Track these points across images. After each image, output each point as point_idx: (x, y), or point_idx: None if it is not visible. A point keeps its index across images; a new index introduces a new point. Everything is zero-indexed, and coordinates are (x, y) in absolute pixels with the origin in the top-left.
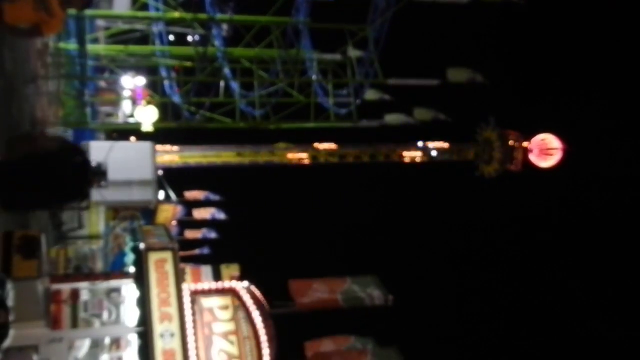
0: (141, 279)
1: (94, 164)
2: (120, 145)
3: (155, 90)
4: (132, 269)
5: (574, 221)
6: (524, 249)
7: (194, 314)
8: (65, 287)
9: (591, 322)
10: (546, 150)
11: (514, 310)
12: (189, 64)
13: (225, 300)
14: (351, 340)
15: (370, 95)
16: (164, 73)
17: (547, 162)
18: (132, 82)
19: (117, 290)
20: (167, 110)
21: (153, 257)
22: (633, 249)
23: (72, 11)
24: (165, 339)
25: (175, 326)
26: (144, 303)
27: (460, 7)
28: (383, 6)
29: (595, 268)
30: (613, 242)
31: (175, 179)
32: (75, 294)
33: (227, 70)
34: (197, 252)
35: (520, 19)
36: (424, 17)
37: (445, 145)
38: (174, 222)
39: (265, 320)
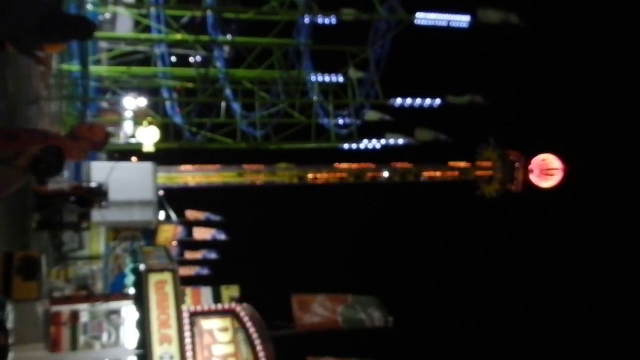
0: (141, 301)
1: (94, 184)
2: (122, 165)
3: (157, 111)
4: (132, 291)
5: (574, 241)
6: (525, 269)
7: (193, 336)
8: (65, 309)
9: (602, 338)
10: (547, 170)
11: (515, 331)
12: (190, 85)
13: (225, 322)
14: None
15: (371, 116)
16: (165, 94)
17: (547, 182)
18: (134, 103)
19: (117, 312)
20: (168, 130)
21: (153, 279)
22: (634, 266)
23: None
24: None
25: (174, 349)
26: (143, 325)
27: (460, 30)
28: (383, 28)
29: (597, 287)
30: (614, 260)
31: (175, 199)
32: (74, 316)
33: (228, 91)
34: (197, 272)
35: (519, 40)
36: (424, 39)
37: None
38: (175, 243)
39: (264, 343)
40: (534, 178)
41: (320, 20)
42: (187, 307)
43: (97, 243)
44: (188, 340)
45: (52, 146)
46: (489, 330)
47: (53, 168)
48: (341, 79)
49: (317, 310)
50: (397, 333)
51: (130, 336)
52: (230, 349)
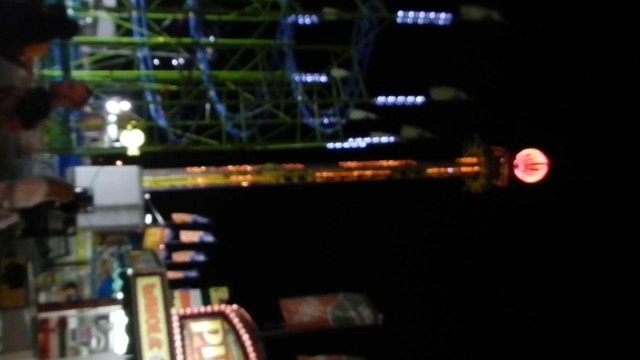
0: (129, 305)
1: (79, 189)
2: (106, 170)
3: (140, 114)
4: (120, 295)
5: (560, 234)
6: (512, 263)
7: (183, 339)
8: (53, 315)
9: (588, 334)
10: (531, 165)
11: (505, 325)
12: (174, 87)
13: (215, 324)
14: (343, 358)
15: (356, 114)
16: (149, 97)
17: (532, 177)
18: (117, 107)
19: (106, 317)
20: (152, 133)
21: (141, 283)
22: (621, 259)
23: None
24: None
25: (164, 352)
26: (132, 329)
27: (442, 27)
28: (366, 27)
29: (583, 280)
30: (599, 253)
31: (161, 202)
32: (62, 322)
33: (212, 93)
34: (185, 275)
35: (501, 37)
36: (406, 37)
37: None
38: (162, 246)
39: (255, 343)
40: (518, 173)
41: (302, 20)
42: (176, 310)
43: (83, 248)
44: (178, 344)
45: (38, 88)
46: (478, 326)
47: (39, 109)
48: (325, 79)
49: (307, 311)
50: (387, 330)
51: (119, 341)
52: (220, 350)
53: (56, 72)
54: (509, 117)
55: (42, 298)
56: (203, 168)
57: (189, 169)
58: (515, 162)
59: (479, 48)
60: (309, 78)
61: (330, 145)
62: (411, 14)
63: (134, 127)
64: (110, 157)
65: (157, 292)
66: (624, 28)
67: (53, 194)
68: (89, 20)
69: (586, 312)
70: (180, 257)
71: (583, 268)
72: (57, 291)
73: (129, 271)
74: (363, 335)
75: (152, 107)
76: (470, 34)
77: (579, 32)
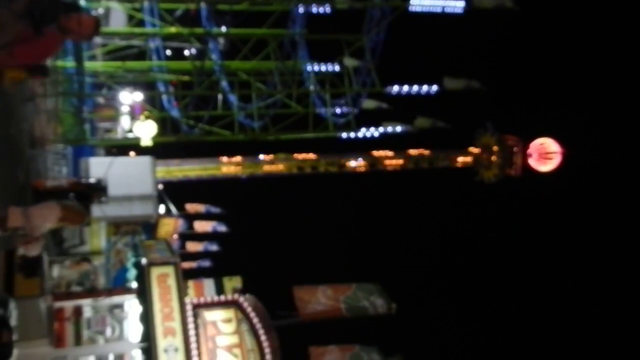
0: (144, 294)
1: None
2: (120, 160)
3: (153, 104)
4: (134, 285)
5: (574, 224)
6: (526, 253)
7: (197, 328)
8: (68, 305)
9: (596, 324)
10: (545, 154)
11: (518, 315)
12: (186, 78)
13: (228, 313)
14: (355, 348)
15: (368, 104)
16: (161, 88)
17: (546, 166)
18: (130, 98)
19: (120, 306)
20: (165, 124)
21: (155, 272)
22: (634, 249)
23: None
24: (169, 354)
25: (178, 341)
26: (147, 318)
27: (455, 16)
28: (378, 16)
29: (598, 269)
30: (614, 243)
31: (175, 192)
32: (78, 311)
33: (224, 83)
34: (199, 265)
35: (514, 25)
36: (419, 26)
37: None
38: (175, 236)
39: (268, 332)
40: (532, 162)
41: (314, 9)
42: (190, 299)
43: (97, 238)
44: (192, 332)
45: None
46: (490, 315)
47: (48, 12)
48: (337, 68)
49: (320, 300)
50: (400, 319)
51: (134, 330)
52: (234, 339)
53: (69, 63)
54: (522, 106)
55: (55, 272)
56: (222, 159)
57: (202, 160)
58: (529, 151)
59: (492, 37)
60: (322, 68)
61: (342, 135)
62: (423, 2)
63: (147, 117)
64: (124, 147)
65: (171, 282)
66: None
67: (66, 219)
68: (101, 11)
69: (601, 303)
70: (193, 247)
71: (598, 258)
72: (71, 265)
73: (143, 261)
74: (376, 325)
75: (164, 97)
76: (483, 23)
77: (593, 19)
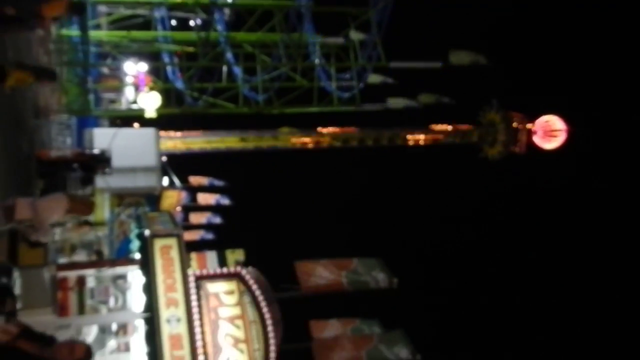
0: (147, 265)
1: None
2: (124, 132)
3: (157, 76)
4: (137, 256)
5: (578, 202)
6: (529, 230)
7: (199, 299)
8: (72, 274)
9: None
10: (550, 131)
11: (520, 291)
12: (191, 49)
13: (231, 285)
14: (356, 322)
15: (373, 78)
16: (166, 59)
17: (551, 144)
18: (134, 68)
19: (123, 276)
20: (170, 95)
21: (158, 244)
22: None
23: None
24: (171, 324)
25: (181, 311)
26: (149, 289)
27: None
28: None
29: (602, 247)
30: (618, 220)
31: (178, 164)
32: (81, 281)
33: (229, 55)
34: (201, 237)
35: (522, 3)
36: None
37: (448, 127)
38: (179, 208)
39: (270, 304)
40: (537, 139)
41: None
42: (193, 270)
43: (101, 209)
44: (194, 303)
45: None
46: (492, 292)
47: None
48: (342, 41)
49: (322, 274)
50: (401, 294)
51: (136, 300)
52: (236, 310)
53: (74, 32)
54: (528, 83)
55: (57, 235)
56: (221, 131)
57: (205, 132)
58: (534, 128)
59: (498, 11)
60: (327, 40)
61: (347, 109)
62: None
63: (151, 89)
64: (128, 119)
65: (174, 253)
66: None
67: (74, 211)
68: None
69: (606, 283)
70: (196, 219)
71: (603, 236)
72: (73, 227)
73: (146, 232)
74: (377, 299)
75: (169, 69)
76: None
77: None
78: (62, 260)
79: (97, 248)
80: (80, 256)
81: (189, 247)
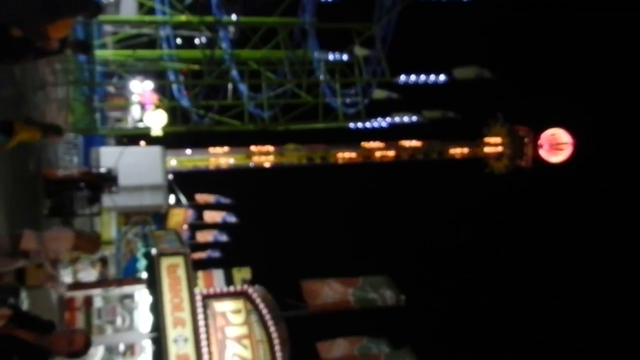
0: (154, 285)
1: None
2: (130, 150)
3: (163, 94)
4: (144, 275)
5: (585, 215)
6: (536, 244)
7: (206, 318)
8: (79, 294)
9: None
10: (556, 144)
11: (528, 307)
12: (196, 67)
13: (238, 304)
14: (364, 340)
15: (378, 94)
16: (172, 77)
17: (557, 157)
18: (140, 87)
19: (130, 296)
20: (175, 113)
21: (165, 262)
22: None
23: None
24: (178, 344)
25: (188, 331)
26: (156, 308)
27: (465, 4)
28: (389, 4)
29: (609, 261)
30: (626, 233)
31: (185, 182)
32: (88, 301)
33: (234, 72)
34: (208, 255)
35: (524, 13)
36: (430, 15)
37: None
38: (185, 226)
39: (277, 323)
40: (543, 153)
41: None
42: (200, 289)
43: (108, 228)
44: (201, 323)
45: None
46: (500, 307)
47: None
48: (347, 57)
49: (328, 293)
50: (409, 311)
51: (144, 320)
52: (243, 330)
53: None
54: (533, 96)
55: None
56: (226, 148)
57: (211, 149)
58: (540, 141)
59: (502, 25)
60: (331, 57)
61: (352, 125)
62: None
63: (157, 107)
64: (134, 137)
65: (181, 272)
66: None
67: (80, 247)
68: None
69: (613, 293)
70: (203, 237)
71: (608, 249)
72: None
73: (153, 251)
74: (384, 317)
75: (174, 87)
76: (494, 11)
77: (605, 9)
78: (65, 269)
79: (101, 255)
80: (83, 265)
81: (195, 266)
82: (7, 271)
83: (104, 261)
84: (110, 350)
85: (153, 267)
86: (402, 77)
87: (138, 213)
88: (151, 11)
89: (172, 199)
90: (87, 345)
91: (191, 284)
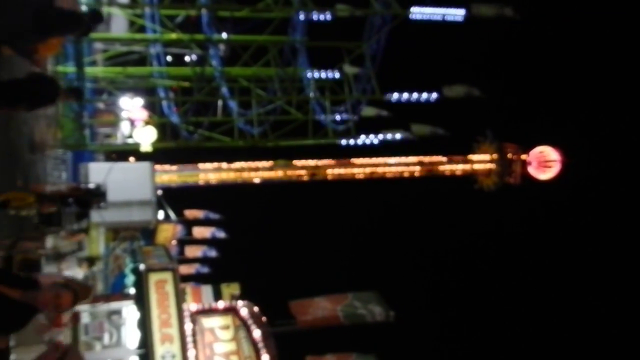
0: (141, 300)
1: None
2: (119, 166)
3: (153, 110)
4: (132, 290)
5: (573, 232)
6: (525, 261)
7: (194, 335)
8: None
9: (594, 332)
10: (544, 162)
11: (518, 323)
12: (186, 84)
13: (226, 320)
14: (353, 356)
15: (368, 111)
16: (162, 93)
17: (545, 174)
18: (130, 103)
19: (118, 312)
20: (165, 130)
21: (153, 278)
22: (634, 257)
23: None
24: None
25: (176, 348)
26: (144, 324)
27: (455, 24)
28: (379, 23)
29: (597, 279)
30: (613, 251)
31: (174, 198)
32: (75, 317)
33: (224, 90)
34: (197, 270)
35: (514, 33)
36: (419, 33)
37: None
38: (174, 242)
39: (266, 339)
40: (532, 170)
41: (315, 16)
42: (188, 305)
43: (96, 244)
44: (189, 339)
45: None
46: (489, 323)
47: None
48: (337, 75)
49: (317, 310)
50: (397, 328)
51: (131, 336)
52: (231, 346)
53: (70, 68)
54: (522, 114)
55: (49, 243)
56: (215, 164)
57: (201, 166)
58: (528, 159)
59: (492, 44)
60: (322, 75)
61: (342, 142)
62: (424, 10)
63: (147, 123)
64: (123, 153)
65: (169, 288)
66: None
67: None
68: None
69: (600, 310)
70: (192, 252)
71: (597, 266)
72: (66, 236)
73: (142, 267)
74: (372, 334)
75: (164, 103)
76: (484, 31)
77: (592, 28)
78: (51, 269)
79: (86, 256)
80: (69, 264)
81: (184, 281)
82: None
83: (90, 261)
84: None
85: (141, 283)
86: (393, 95)
87: (127, 229)
88: (142, 29)
89: (161, 214)
90: (74, 302)
91: (179, 299)
